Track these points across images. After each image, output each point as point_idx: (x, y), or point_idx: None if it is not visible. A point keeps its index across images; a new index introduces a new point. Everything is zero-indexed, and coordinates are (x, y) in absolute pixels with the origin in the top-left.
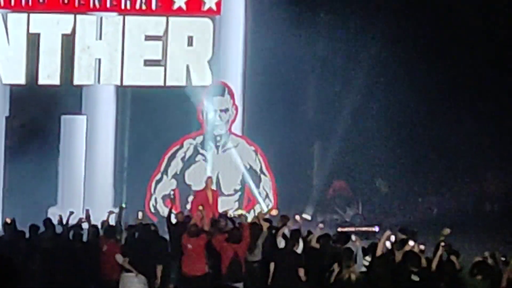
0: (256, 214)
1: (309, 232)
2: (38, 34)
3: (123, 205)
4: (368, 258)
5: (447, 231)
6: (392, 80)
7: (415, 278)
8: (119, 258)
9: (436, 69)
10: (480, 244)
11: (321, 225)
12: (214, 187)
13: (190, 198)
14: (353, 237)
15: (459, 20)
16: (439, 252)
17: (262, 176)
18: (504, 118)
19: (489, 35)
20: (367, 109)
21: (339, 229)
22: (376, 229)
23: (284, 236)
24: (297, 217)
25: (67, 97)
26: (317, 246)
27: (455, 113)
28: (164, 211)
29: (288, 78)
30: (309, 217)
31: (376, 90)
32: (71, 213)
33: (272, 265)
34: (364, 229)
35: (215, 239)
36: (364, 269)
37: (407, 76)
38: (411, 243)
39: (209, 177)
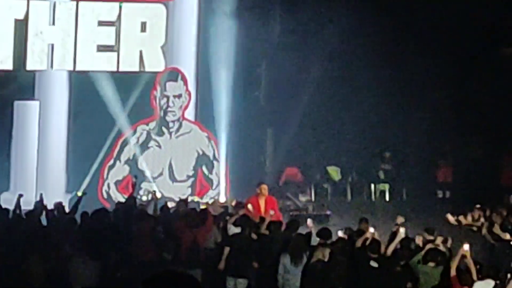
0: (212, 201)
1: (262, 219)
2: None
3: (80, 193)
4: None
5: (401, 219)
6: (346, 68)
7: (374, 264)
8: None
9: (386, 61)
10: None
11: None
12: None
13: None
14: (309, 221)
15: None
16: (396, 240)
17: (215, 162)
18: (454, 108)
19: (432, 27)
20: (320, 96)
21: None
22: (328, 212)
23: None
24: (249, 206)
25: (20, 83)
26: (267, 232)
27: (406, 103)
28: (117, 197)
29: (241, 64)
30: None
31: (329, 78)
32: (20, 195)
33: (226, 250)
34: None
35: (176, 225)
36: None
37: (360, 67)
38: (371, 229)
39: (262, 184)
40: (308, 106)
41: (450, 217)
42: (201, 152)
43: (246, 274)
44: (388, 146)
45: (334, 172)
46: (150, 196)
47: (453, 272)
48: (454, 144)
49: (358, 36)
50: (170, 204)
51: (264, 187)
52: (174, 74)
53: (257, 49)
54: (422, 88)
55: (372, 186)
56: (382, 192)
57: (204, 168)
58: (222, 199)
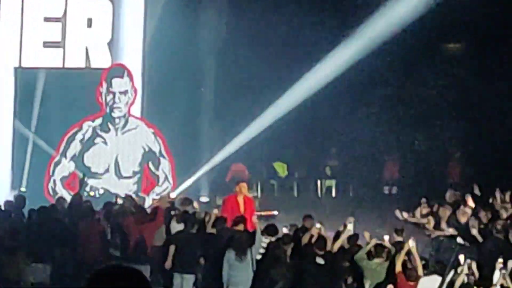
0: (160, 197)
1: (207, 215)
2: None
3: (23, 189)
4: (265, 239)
5: (351, 220)
6: (292, 64)
7: (320, 260)
8: None
9: (332, 57)
10: (380, 227)
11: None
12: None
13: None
14: (254, 218)
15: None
16: (343, 237)
17: (161, 158)
18: (399, 104)
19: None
20: (267, 93)
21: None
22: (275, 213)
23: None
24: (195, 204)
25: None
26: (213, 230)
27: (353, 99)
28: (63, 194)
29: (188, 60)
30: (207, 199)
31: (276, 74)
32: None
33: (171, 248)
34: (263, 213)
35: (124, 221)
36: (262, 250)
37: (307, 63)
38: (318, 225)
39: (241, 182)
40: (255, 102)
41: (399, 213)
42: (147, 149)
43: (193, 270)
44: (335, 142)
45: (281, 168)
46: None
47: (398, 268)
48: (400, 140)
49: (304, 33)
50: (119, 201)
51: (243, 186)
52: (120, 70)
53: (204, 44)
54: (368, 84)
55: (319, 182)
56: (329, 188)
57: (150, 164)
58: (170, 195)
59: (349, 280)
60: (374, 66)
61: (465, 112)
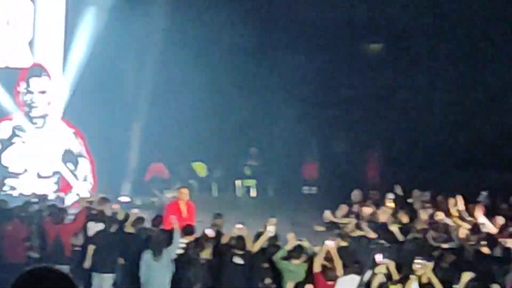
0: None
1: (127, 215)
2: None
3: None
4: (185, 240)
5: (273, 221)
6: (216, 66)
7: (238, 260)
8: None
9: (252, 58)
10: (302, 226)
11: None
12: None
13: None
14: (173, 219)
15: None
16: (263, 238)
17: (80, 158)
18: (318, 105)
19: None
20: (187, 93)
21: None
22: None
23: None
24: (115, 205)
25: None
26: (132, 230)
27: (273, 100)
28: None
29: (108, 60)
30: (127, 199)
31: (197, 74)
32: None
33: (90, 248)
34: None
35: (42, 221)
36: (181, 251)
37: (228, 62)
38: (238, 226)
39: (182, 188)
40: (175, 102)
41: (329, 214)
42: (67, 148)
43: (112, 270)
44: (254, 143)
45: (200, 168)
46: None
47: (316, 268)
48: (319, 140)
49: (233, 33)
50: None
51: (185, 192)
52: (38, 70)
53: (123, 45)
54: (288, 85)
55: (238, 182)
56: (248, 188)
57: (70, 164)
58: (88, 195)
59: (268, 280)
60: (294, 66)
61: (385, 112)
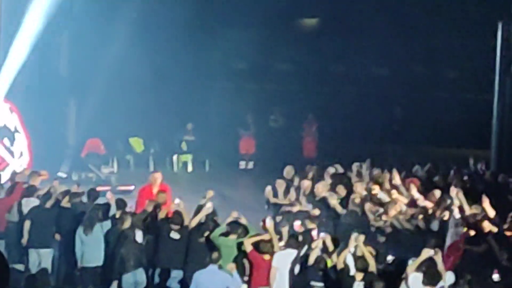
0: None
1: (67, 191)
2: None
3: None
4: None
5: (210, 193)
6: (152, 40)
7: (175, 235)
8: None
9: (193, 31)
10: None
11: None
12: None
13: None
14: (108, 193)
15: None
16: (202, 214)
17: (16, 134)
18: (254, 78)
19: None
20: (121, 68)
21: (97, 188)
22: (132, 187)
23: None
24: (55, 182)
25: None
26: (69, 205)
27: (208, 74)
28: None
29: (44, 34)
30: (64, 175)
31: (132, 49)
32: None
33: (27, 223)
34: (122, 188)
35: None
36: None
37: (168, 36)
38: (177, 200)
39: (155, 172)
40: (112, 77)
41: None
42: (2, 124)
43: (49, 245)
44: (191, 118)
45: (137, 143)
46: None
47: (248, 246)
48: (256, 115)
49: (170, 7)
50: None
51: (157, 176)
52: None
53: (59, 18)
54: (225, 59)
55: (175, 157)
56: (185, 163)
57: (5, 140)
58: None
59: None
60: (231, 41)
61: (321, 87)
